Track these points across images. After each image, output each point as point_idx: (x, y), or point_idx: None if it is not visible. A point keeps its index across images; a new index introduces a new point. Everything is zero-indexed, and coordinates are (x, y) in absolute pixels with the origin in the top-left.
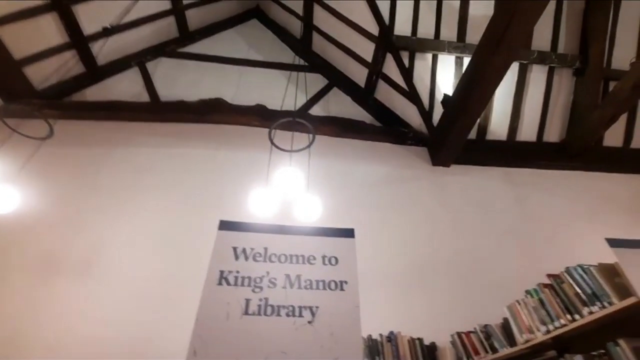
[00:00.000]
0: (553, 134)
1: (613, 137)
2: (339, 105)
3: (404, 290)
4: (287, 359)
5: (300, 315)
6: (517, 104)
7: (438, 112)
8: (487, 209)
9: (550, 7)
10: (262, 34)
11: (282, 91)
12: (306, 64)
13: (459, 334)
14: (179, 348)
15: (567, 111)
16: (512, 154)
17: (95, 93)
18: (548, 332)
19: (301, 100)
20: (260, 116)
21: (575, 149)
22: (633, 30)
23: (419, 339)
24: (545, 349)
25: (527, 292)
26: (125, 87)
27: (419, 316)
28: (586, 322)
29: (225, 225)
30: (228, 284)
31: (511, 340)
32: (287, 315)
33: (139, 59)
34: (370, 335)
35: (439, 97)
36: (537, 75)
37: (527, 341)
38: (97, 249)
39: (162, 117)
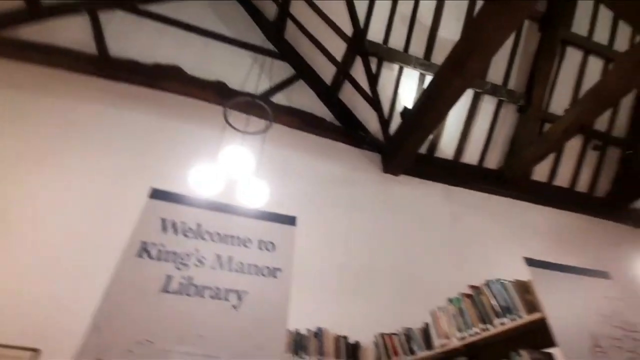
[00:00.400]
0: (492, 161)
1: (541, 172)
2: (302, 98)
3: (337, 289)
4: (204, 342)
5: (226, 299)
6: (466, 128)
7: (396, 122)
8: (426, 221)
9: (508, 44)
10: (235, 10)
11: (245, 72)
12: (275, 50)
13: (382, 335)
14: (84, 324)
15: (507, 143)
16: (455, 173)
17: (33, 33)
18: (462, 338)
19: (264, 86)
20: (218, 93)
21: (509, 178)
22: (572, 80)
23: (344, 337)
24: (457, 355)
25: (450, 300)
26: (70, 33)
27: (348, 316)
28: (497, 332)
29: (157, 194)
30: (150, 257)
31: (428, 344)
32: (212, 297)
33: (92, 6)
34: (297, 329)
35: (399, 108)
36: (487, 105)
37: (442, 346)
38: (8, 203)
39: (108, 74)
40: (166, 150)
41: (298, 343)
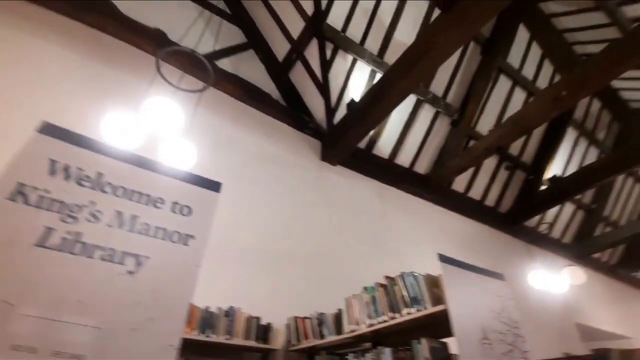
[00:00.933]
0: (422, 167)
1: (460, 183)
2: (250, 69)
3: (256, 269)
4: (82, 310)
5: (121, 263)
6: (404, 131)
7: (341, 112)
8: (354, 213)
9: (453, 60)
10: None
11: (188, 25)
12: (228, 11)
13: (295, 318)
14: None
15: (437, 152)
16: (389, 172)
17: None
18: (371, 325)
19: (207, 47)
20: (155, 43)
21: (433, 184)
22: (499, 105)
23: (256, 317)
24: (364, 340)
25: (365, 288)
26: None
27: (264, 297)
28: (403, 320)
29: (49, 130)
30: (26, 202)
31: (339, 329)
32: (103, 259)
33: None
34: (208, 307)
35: (346, 99)
36: (426, 114)
37: (351, 331)
38: None
39: None
40: (80, 89)
41: (207, 320)
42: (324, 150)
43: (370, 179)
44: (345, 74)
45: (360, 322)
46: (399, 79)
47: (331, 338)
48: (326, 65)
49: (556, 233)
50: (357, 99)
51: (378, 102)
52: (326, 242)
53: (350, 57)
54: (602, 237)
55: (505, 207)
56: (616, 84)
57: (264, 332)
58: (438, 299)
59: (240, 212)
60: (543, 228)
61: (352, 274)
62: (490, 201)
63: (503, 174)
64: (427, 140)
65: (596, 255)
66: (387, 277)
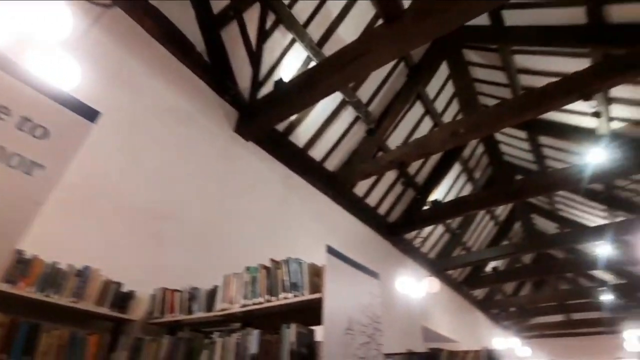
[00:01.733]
0: (331, 164)
1: (361, 188)
2: (178, 11)
3: (131, 230)
4: None
5: None
6: (324, 126)
7: (267, 89)
8: (255, 194)
9: (383, 72)
10: None
11: None
12: None
13: (164, 290)
14: None
15: (348, 154)
16: (300, 162)
17: None
18: (244, 306)
19: None
20: None
21: (338, 183)
22: (410, 126)
23: (117, 283)
24: (234, 320)
25: (247, 268)
26: None
27: (135, 262)
28: (277, 304)
29: None
30: None
31: (210, 306)
32: None
33: None
34: (56, 262)
35: (275, 77)
36: (348, 115)
37: (222, 310)
38: None
39: None
40: None
41: (50, 278)
42: (239, 122)
43: (280, 163)
44: (281, 51)
45: (234, 302)
46: (332, 73)
47: (200, 314)
48: (263, 35)
49: (425, 248)
50: (286, 80)
51: (307, 89)
52: (218, 215)
53: (289, 36)
54: (457, 258)
55: (392, 218)
56: (498, 136)
57: (122, 299)
58: (316, 287)
59: (126, 161)
60: (417, 242)
61: (239, 252)
62: (382, 210)
63: (398, 188)
64: (343, 141)
65: (450, 272)
66: (273, 260)
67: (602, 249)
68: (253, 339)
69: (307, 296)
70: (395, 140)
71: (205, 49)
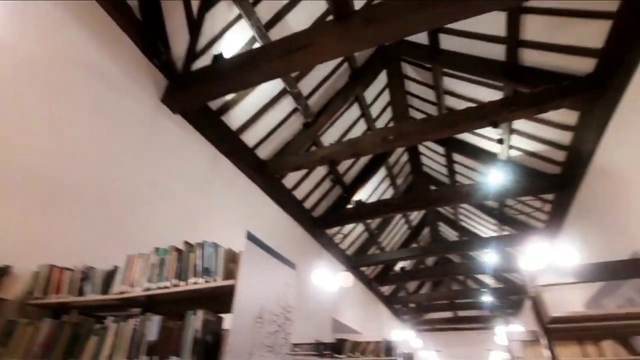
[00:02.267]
0: (263, 152)
1: (290, 180)
2: None
3: (17, 196)
4: None
5: None
6: (260, 112)
7: (203, 61)
8: (178, 172)
9: (328, 68)
10: None
11: None
12: None
13: (52, 267)
14: None
15: (281, 145)
16: (231, 145)
17: None
18: (148, 289)
19: None
20: None
21: (268, 172)
22: (345, 126)
23: None
24: (133, 305)
25: (157, 249)
26: None
27: (17, 233)
28: (186, 289)
29: None
30: None
31: (106, 288)
32: None
33: None
34: None
35: (214, 51)
36: (286, 105)
37: (120, 293)
38: None
39: None
40: None
41: None
42: (168, 92)
43: (208, 142)
44: (224, 25)
45: (136, 285)
46: (276, 58)
47: (93, 297)
48: (208, 3)
49: (345, 244)
50: (226, 57)
51: (248, 70)
52: (131, 189)
53: (236, 11)
54: (372, 256)
55: (317, 213)
56: (421, 148)
57: None
58: (231, 273)
59: (18, 112)
60: (338, 238)
61: (150, 232)
62: (308, 204)
63: (326, 185)
64: (278, 130)
65: (363, 268)
66: (187, 243)
67: (489, 257)
68: (153, 325)
69: (219, 282)
70: (329, 137)
71: (137, 3)
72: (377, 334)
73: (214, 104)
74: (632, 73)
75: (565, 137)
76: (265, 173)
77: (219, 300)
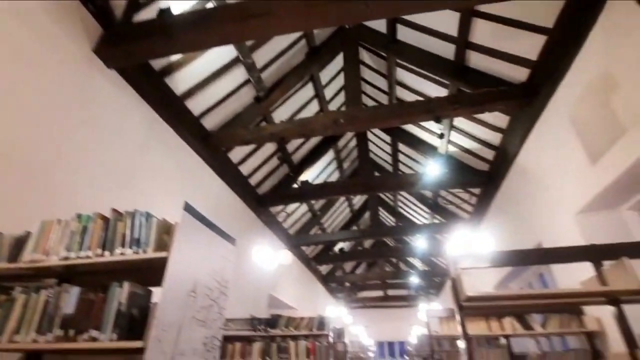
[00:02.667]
0: (209, 123)
1: (237, 154)
2: None
3: None
4: None
5: None
6: (209, 79)
7: (148, 13)
8: (109, 132)
9: (287, 41)
10: None
11: None
12: None
13: None
14: None
15: (230, 117)
16: (173, 110)
17: None
18: (66, 259)
19: None
20: None
21: (212, 144)
22: (297, 105)
23: None
24: (48, 275)
25: (79, 215)
26: None
27: None
28: (110, 260)
29: None
30: None
31: (14, 256)
32: None
33: None
34: None
35: (161, 4)
36: (238, 75)
37: (32, 261)
38: None
39: None
40: None
41: None
42: (102, 42)
43: (148, 105)
44: None
45: (51, 253)
46: (230, 22)
47: None
48: None
49: (287, 223)
50: (174, 13)
51: (198, 30)
52: (53, 148)
53: None
54: (313, 236)
55: (262, 190)
56: (369, 135)
57: None
58: (164, 245)
59: None
60: (281, 216)
61: (71, 196)
62: (254, 180)
63: (274, 163)
64: (227, 101)
65: (304, 247)
66: (115, 211)
67: (420, 242)
68: (70, 298)
69: (150, 254)
70: (280, 114)
71: None
72: (312, 311)
73: (157, 64)
74: (556, 86)
75: (495, 138)
76: (210, 145)
77: (150, 272)
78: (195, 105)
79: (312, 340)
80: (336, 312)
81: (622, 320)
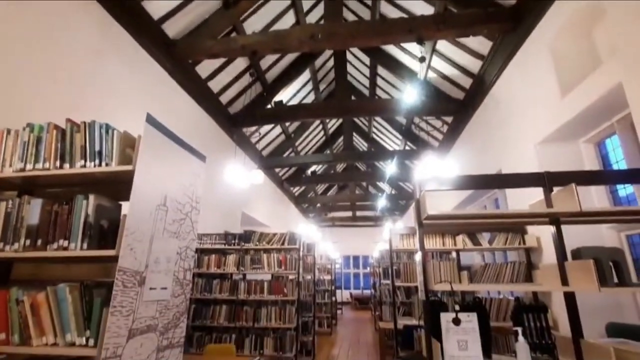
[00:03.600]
0: (172, 29)
1: (205, 68)
2: None
3: None
4: None
5: None
6: None
7: None
8: (56, 36)
9: None
10: None
11: None
12: None
13: None
14: None
15: (196, 24)
16: (128, 11)
17: None
18: (22, 170)
19: None
20: None
21: (177, 54)
22: (272, 15)
23: None
24: (7, 188)
25: (30, 125)
26: None
27: None
28: (71, 173)
29: None
30: None
31: None
32: None
33: None
34: None
35: None
36: None
37: None
38: None
39: None
40: None
41: None
42: None
43: (100, 6)
44: None
45: (6, 165)
46: None
47: None
48: None
49: (260, 145)
50: None
51: None
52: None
53: None
54: (286, 159)
55: (234, 110)
56: (348, 55)
57: None
58: (127, 159)
59: None
60: (254, 137)
61: (22, 103)
62: (225, 98)
63: (245, 80)
64: (191, 4)
65: (277, 169)
66: (70, 121)
67: (390, 168)
68: (32, 209)
69: (114, 167)
70: (253, 25)
71: None
72: (284, 229)
73: None
74: (543, 13)
75: (475, 66)
76: (174, 55)
77: (118, 186)
78: (155, 7)
79: (283, 254)
80: (307, 230)
81: (559, 238)
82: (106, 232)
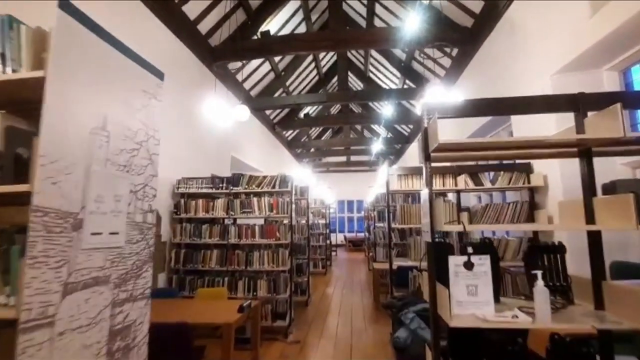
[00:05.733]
0: None
1: (193, 9)
2: None
3: None
4: None
5: None
6: None
7: None
8: None
9: None
10: None
11: None
12: None
13: None
14: None
15: None
16: None
17: None
18: None
19: None
20: None
21: None
22: None
23: None
24: None
25: None
26: None
27: None
28: None
29: None
30: None
31: None
32: None
33: None
34: None
35: None
36: None
37: None
38: None
39: None
40: None
41: None
42: None
43: None
44: None
45: None
46: None
47: None
48: None
49: (248, 84)
50: None
51: None
52: None
53: None
54: (277, 99)
55: (214, 42)
56: None
57: None
58: (41, 64)
59: None
60: (240, 75)
61: None
62: (203, 28)
63: (227, 4)
64: None
65: (268, 112)
66: None
67: (386, 110)
68: None
69: (23, 74)
70: None
71: None
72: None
73: None
74: None
75: None
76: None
77: (31, 103)
78: None
79: (275, 197)
80: (300, 173)
81: (589, 171)
82: (25, 162)
